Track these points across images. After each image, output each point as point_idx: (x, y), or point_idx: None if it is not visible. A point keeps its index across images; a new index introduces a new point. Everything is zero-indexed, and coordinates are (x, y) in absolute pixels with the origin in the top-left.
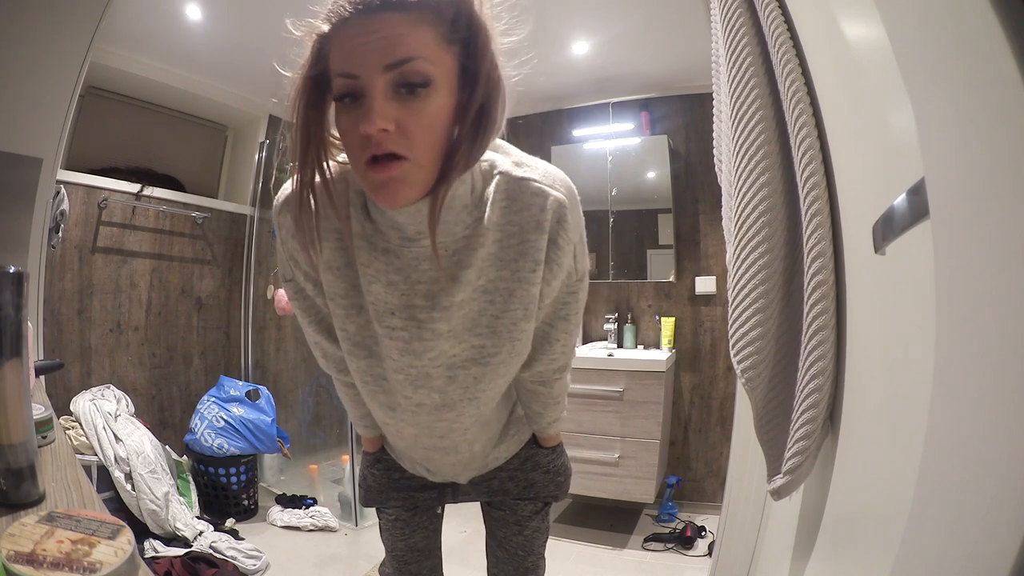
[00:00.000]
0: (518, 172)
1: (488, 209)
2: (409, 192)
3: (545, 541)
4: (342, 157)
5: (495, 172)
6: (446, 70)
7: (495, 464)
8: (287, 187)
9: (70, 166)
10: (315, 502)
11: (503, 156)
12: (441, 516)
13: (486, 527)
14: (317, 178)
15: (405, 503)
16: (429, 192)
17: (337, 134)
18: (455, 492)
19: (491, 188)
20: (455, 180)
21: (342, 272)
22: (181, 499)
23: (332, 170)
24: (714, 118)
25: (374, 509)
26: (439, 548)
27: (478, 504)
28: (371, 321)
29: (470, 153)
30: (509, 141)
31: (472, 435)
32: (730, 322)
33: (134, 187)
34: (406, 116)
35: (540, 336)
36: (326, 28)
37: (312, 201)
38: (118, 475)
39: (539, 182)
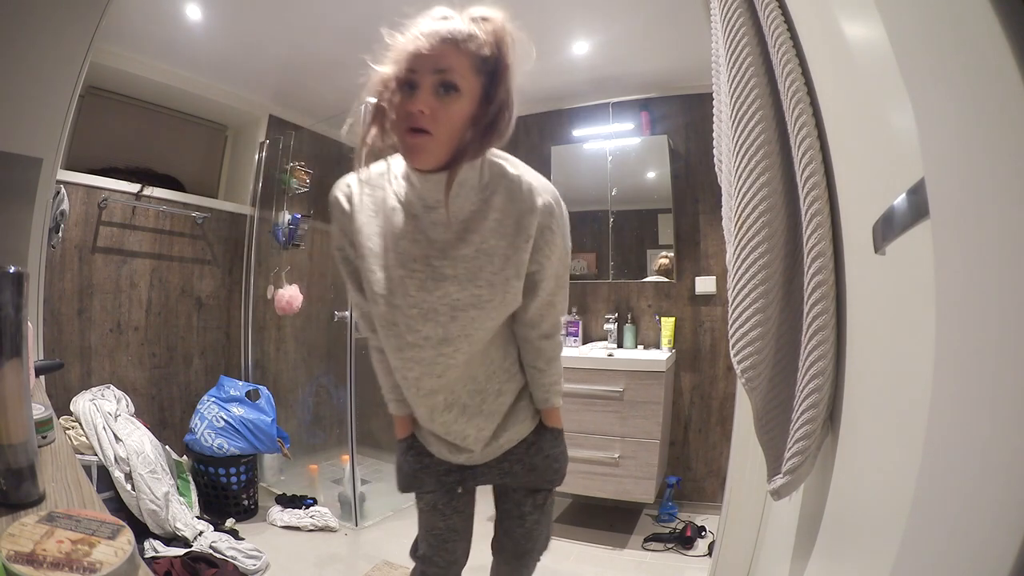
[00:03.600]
0: (518, 174)
1: (493, 196)
2: (427, 157)
3: (547, 526)
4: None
5: (501, 174)
6: (472, 88)
7: (508, 446)
8: (344, 177)
9: (70, 166)
10: (315, 502)
11: (511, 165)
12: (473, 501)
13: (496, 515)
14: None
15: (436, 487)
16: (445, 168)
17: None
18: (474, 475)
19: (496, 182)
20: (465, 163)
21: (372, 238)
22: (181, 499)
23: (383, 156)
24: (714, 118)
25: (372, 508)
26: (471, 531)
27: (480, 507)
28: (392, 273)
29: (478, 148)
30: (509, 139)
31: (463, 376)
32: (730, 322)
33: (134, 187)
34: (438, 107)
35: (546, 304)
36: (410, 47)
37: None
38: (118, 475)
39: (532, 184)
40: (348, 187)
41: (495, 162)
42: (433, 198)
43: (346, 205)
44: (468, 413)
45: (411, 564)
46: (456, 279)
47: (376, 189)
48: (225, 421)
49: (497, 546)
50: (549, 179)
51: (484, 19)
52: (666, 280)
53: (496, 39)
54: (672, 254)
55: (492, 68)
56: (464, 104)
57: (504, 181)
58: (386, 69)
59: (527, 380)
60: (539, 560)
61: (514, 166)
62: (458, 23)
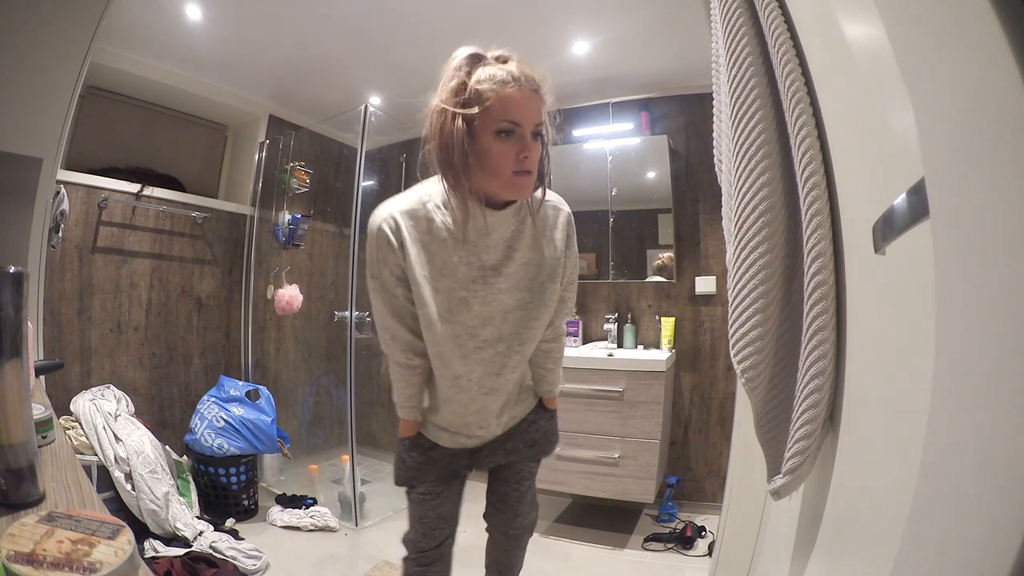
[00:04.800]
0: (545, 198)
1: (526, 217)
2: (529, 191)
3: (534, 487)
4: (417, 194)
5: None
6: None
7: (512, 424)
8: (385, 209)
9: (70, 166)
10: (315, 502)
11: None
12: (463, 490)
13: (489, 486)
14: (437, 190)
15: (439, 475)
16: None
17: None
18: (480, 458)
19: (526, 205)
20: (537, 190)
21: (424, 266)
22: (181, 499)
23: (433, 200)
24: (714, 118)
25: (372, 508)
26: (459, 518)
27: (477, 506)
28: (453, 296)
29: (542, 181)
30: None
31: (513, 374)
32: (730, 322)
33: (134, 187)
34: (534, 152)
35: (560, 301)
36: (496, 89)
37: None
38: (118, 475)
39: (556, 204)
40: (394, 220)
41: None
42: (491, 227)
43: (393, 239)
44: (508, 406)
45: None
46: (508, 290)
47: (419, 221)
48: (225, 421)
49: (494, 515)
50: (549, 179)
51: (532, 66)
52: (666, 280)
53: (548, 85)
54: (670, 253)
55: (544, 114)
56: (541, 147)
57: (533, 203)
58: (472, 111)
59: (532, 375)
60: (531, 536)
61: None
62: (534, 73)
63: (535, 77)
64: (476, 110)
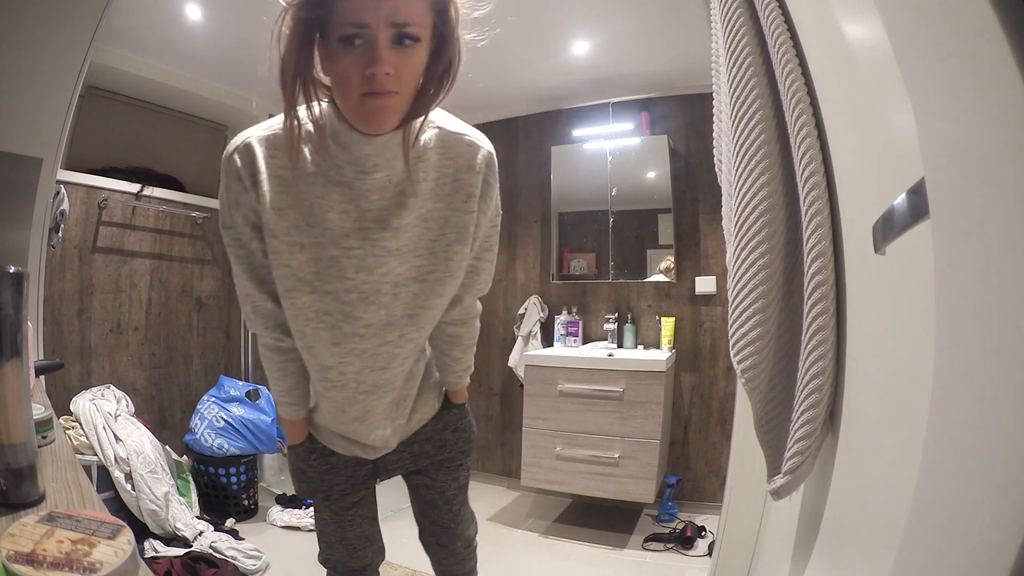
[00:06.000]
0: (453, 128)
1: (427, 152)
2: (394, 118)
3: (467, 502)
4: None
5: (433, 126)
6: (428, 32)
7: (418, 426)
8: (241, 136)
9: (70, 166)
10: None
11: (442, 117)
12: (375, 501)
13: (417, 507)
14: (303, 112)
15: (348, 485)
16: (399, 127)
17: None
18: (386, 466)
19: (428, 137)
20: (424, 115)
21: (284, 212)
22: (181, 499)
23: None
24: (714, 118)
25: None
26: (380, 531)
27: None
28: (322, 253)
29: (437, 96)
30: (509, 139)
31: (404, 366)
32: (730, 322)
33: (134, 187)
34: (401, 63)
35: (470, 271)
36: None
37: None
38: (118, 475)
39: (471, 138)
40: (247, 149)
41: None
42: (371, 162)
43: (245, 174)
44: (398, 409)
45: (411, 564)
46: (400, 253)
47: (281, 151)
48: (225, 421)
49: (429, 538)
50: (549, 179)
51: None
52: (666, 280)
53: None
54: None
55: (444, 2)
56: (423, 53)
57: (439, 135)
58: (313, 13)
59: (436, 363)
60: (476, 543)
61: (443, 117)
62: None
63: None
64: (317, 12)
